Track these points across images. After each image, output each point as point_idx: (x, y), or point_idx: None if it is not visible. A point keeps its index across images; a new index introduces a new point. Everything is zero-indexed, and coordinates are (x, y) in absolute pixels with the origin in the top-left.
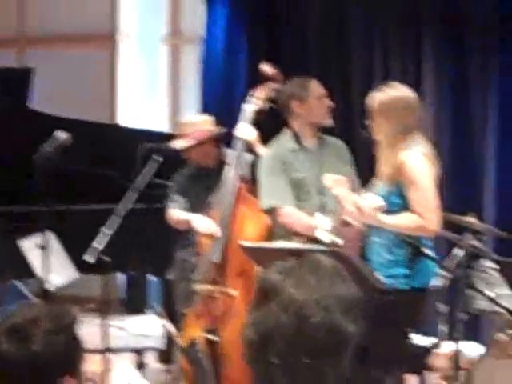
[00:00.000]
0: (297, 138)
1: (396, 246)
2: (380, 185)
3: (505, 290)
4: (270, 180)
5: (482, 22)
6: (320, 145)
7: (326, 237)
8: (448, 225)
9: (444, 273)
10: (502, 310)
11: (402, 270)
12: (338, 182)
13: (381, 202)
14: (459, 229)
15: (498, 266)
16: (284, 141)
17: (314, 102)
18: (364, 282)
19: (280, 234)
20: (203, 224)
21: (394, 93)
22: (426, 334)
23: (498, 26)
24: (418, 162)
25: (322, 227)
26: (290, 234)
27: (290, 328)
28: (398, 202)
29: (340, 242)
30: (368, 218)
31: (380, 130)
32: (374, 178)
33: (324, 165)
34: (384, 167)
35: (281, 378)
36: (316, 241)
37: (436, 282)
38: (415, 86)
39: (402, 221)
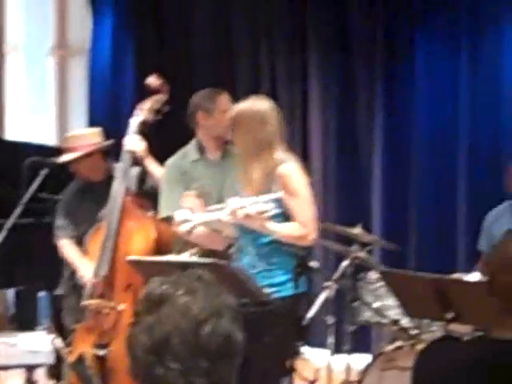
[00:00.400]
0: (200, 149)
1: (273, 255)
2: (251, 196)
3: (390, 301)
4: (168, 189)
5: (368, 35)
6: (224, 157)
7: (187, 227)
8: (337, 236)
9: (331, 284)
10: (387, 321)
11: (282, 278)
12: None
13: (267, 207)
14: (348, 240)
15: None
16: (188, 151)
17: (219, 115)
18: (248, 293)
19: (178, 243)
20: (86, 275)
21: (251, 106)
22: (314, 345)
23: (383, 38)
24: (297, 173)
25: (182, 219)
26: (187, 244)
27: (187, 332)
28: (279, 212)
29: (199, 232)
30: (255, 223)
31: (239, 142)
32: (241, 191)
33: (227, 177)
34: (250, 180)
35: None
36: (210, 251)
37: (324, 294)
38: (302, 98)
39: (287, 229)
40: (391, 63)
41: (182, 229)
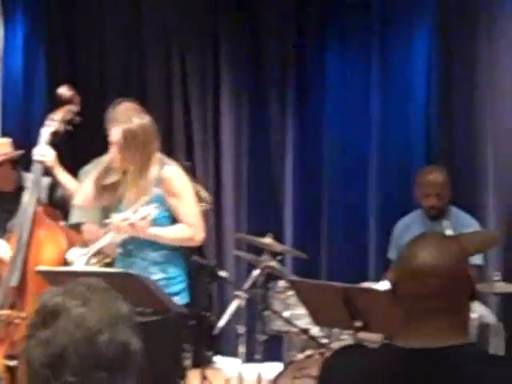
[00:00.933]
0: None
1: (171, 263)
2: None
3: (301, 310)
4: None
5: (280, 55)
6: None
7: (83, 262)
8: (249, 246)
9: (241, 294)
10: (298, 330)
11: (179, 286)
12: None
13: (148, 211)
14: (260, 250)
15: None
16: (102, 159)
17: None
18: (158, 303)
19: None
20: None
21: (144, 120)
22: (226, 354)
23: (294, 59)
24: (179, 175)
25: (76, 256)
26: (100, 253)
27: (83, 344)
28: (165, 215)
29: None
30: (141, 231)
31: (133, 159)
32: (126, 204)
33: None
34: (140, 190)
35: None
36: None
37: (234, 303)
38: (214, 109)
39: (174, 232)
40: (303, 73)
41: (80, 264)
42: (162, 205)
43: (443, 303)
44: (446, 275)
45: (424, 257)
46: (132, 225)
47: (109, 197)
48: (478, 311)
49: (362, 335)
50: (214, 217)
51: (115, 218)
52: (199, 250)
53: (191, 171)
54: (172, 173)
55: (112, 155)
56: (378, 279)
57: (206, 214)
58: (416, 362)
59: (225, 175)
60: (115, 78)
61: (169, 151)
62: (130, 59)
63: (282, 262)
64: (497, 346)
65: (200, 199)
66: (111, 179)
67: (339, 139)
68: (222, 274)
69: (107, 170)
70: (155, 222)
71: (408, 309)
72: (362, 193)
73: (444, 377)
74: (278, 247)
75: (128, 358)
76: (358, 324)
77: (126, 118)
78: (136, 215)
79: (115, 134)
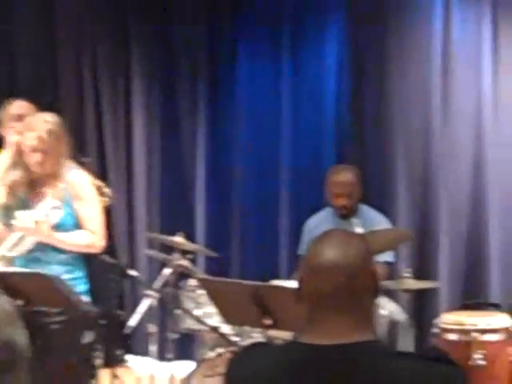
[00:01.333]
0: None
1: (75, 264)
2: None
3: (212, 308)
4: None
5: (192, 61)
6: None
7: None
8: (161, 245)
9: (152, 293)
10: (208, 328)
11: (84, 287)
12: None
13: (51, 214)
14: (170, 249)
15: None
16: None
17: (7, 122)
18: (68, 303)
19: None
20: None
21: (53, 119)
22: (138, 353)
23: (207, 65)
24: (85, 180)
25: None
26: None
27: None
28: (73, 221)
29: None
30: (42, 234)
31: (54, 159)
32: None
33: None
34: (51, 191)
35: None
36: None
37: (145, 302)
38: (125, 112)
39: (74, 238)
40: (214, 70)
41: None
42: (68, 208)
43: (345, 300)
44: (348, 272)
45: (327, 254)
46: (36, 223)
47: (11, 196)
48: (389, 308)
49: (273, 333)
50: (125, 215)
51: (20, 216)
52: (110, 249)
53: (91, 168)
54: (78, 177)
55: (35, 160)
56: (289, 277)
57: (108, 210)
58: (318, 359)
59: (137, 173)
60: (28, 79)
61: (80, 147)
62: (42, 60)
63: (194, 260)
64: (406, 343)
65: (102, 194)
66: (12, 178)
67: (251, 138)
68: (133, 273)
69: (9, 170)
70: (61, 227)
71: (312, 306)
72: (273, 191)
73: (345, 373)
74: (189, 246)
75: (14, 357)
76: (268, 322)
77: (40, 120)
78: (40, 215)
79: (33, 137)
